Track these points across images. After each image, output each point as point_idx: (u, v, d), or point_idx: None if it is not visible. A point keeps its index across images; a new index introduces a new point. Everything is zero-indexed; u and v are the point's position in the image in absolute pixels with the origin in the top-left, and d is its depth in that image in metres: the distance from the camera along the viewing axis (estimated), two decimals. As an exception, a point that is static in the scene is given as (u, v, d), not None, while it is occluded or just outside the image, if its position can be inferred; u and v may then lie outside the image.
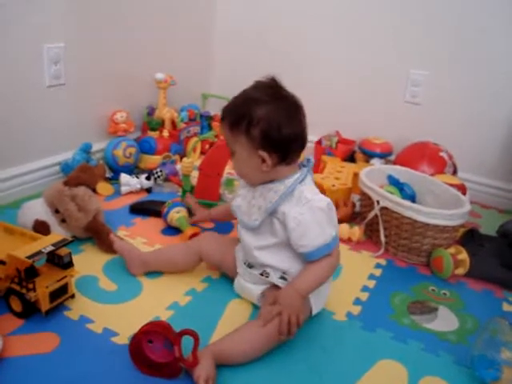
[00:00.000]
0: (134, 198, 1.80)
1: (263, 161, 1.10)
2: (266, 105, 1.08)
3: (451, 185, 1.75)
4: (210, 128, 2.38)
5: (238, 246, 1.31)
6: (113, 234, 1.42)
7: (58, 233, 1.38)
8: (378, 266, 1.56)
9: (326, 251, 1.12)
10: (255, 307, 1.26)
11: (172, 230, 1.62)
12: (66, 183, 1.48)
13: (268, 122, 1.07)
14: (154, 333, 1.01)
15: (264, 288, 1.23)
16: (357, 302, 1.36)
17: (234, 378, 1.03)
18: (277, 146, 1.09)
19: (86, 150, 1.86)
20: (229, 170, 1.89)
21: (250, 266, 1.24)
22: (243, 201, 1.22)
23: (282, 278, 1.19)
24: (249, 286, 1.26)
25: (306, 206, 1.10)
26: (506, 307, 1.42)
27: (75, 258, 1.21)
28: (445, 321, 1.32)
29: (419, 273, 1.56)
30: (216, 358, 1.02)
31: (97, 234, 1.45)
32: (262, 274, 1.21)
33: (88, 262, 1.39)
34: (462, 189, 1.79)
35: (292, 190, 1.11)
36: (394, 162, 2.09)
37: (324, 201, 1.13)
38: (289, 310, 1.07)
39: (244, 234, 1.22)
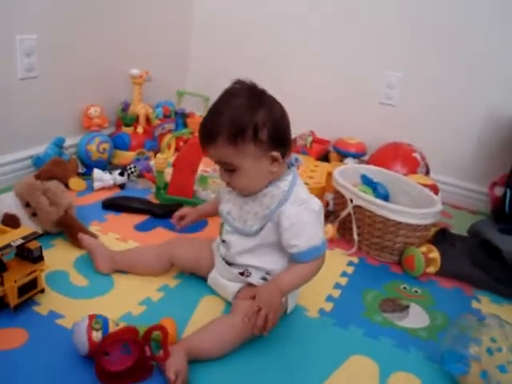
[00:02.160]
0: (107, 194, 1.78)
1: (274, 160, 1.09)
2: (263, 107, 1.07)
3: (424, 185, 1.77)
4: (184, 125, 2.36)
5: (216, 242, 1.30)
6: (81, 233, 1.39)
7: (29, 227, 1.35)
8: (350, 263, 1.57)
9: (316, 254, 1.11)
10: (228, 303, 1.26)
11: (146, 225, 1.61)
12: (37, 177, 1.46)
13: (272, 123, 1.07)
14: (111, 344, 0.98)
15: (241, 286, 1.22)
16: (329, 298, 1.36)
17: (206, 374, 1.02)
18: (281, 142, 1.10)
19: (59, 144, 1.83)
20: (203, 168, 1.89)
21: (230, 263, 1.23)
22: (234, 206, 1.20)
23: (264, 278, 1.19)
24: (225, 282, 1.25)
25: (302, 207, 1.11)
26: (475, 305, 1.45)
27: (46, 253, 1.19)
28: (416, 318, 1.34)
29: (391, 271, 1.57)
30: (188, 353, 1.01)
31: (68, 229, 1.43)
32: (242, 274, 1.21)
33: (59, 257, 1.36)
34: (434, 189, 1.81)
35: (290, 194, 1.12)
36: (368, 162, 2.10)
37: (318, 203, 1.14)
38: (267, 307, 1.05)
39: (231, 238, 1.21)
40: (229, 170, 1.10)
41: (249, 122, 1.05)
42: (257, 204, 1.14)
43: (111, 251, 1.35)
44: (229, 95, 1.10)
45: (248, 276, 1.20)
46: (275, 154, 1.08)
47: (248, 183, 1.13)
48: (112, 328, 1.03)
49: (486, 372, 1.04)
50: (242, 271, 1.21)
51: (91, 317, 1.02)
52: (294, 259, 1.13)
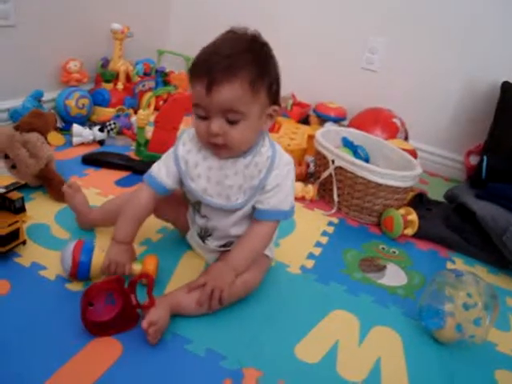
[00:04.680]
0: (86, 150, 1.75)
1: (269, 116, 1.04)
2: (274, 59, 1.03)
3: (403, 150, 1.79)
4: (164, 84, 2.33)
5: (190, 213, 1.22)
6: (66, 184, 1.35)
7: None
8: (330, 223, 1.60)
9: (281, 217, 1.10)
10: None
11: (127, 181, 1.60)
12: (17, 128, 1.43)
13: (278, 77, 1.03)
14: (95, 294, 0.98)
15: (219, 254, 1.20)
16: (311, 256, 1.39)
17: (189, 325, 1.04)
18: (278, 99, 1.05)
19: (37, 97, 1.78)
20: (183, 127, 1.87)
21: (206, 236, 1.18)
22: (208, 183, 1.08)
23: None
24: (201, 252, 1.25)
25: (287, 168, 1.08)
26: (449, 266, 1.50)
27: (26, 206, 1.17)
28: (394, 277, 1.38)
29: (370, 232, 1.61)
30: (172, 307, 1.02)
31: (49, 182, 1.40)
32: (223, 245, 1.18)
33: (39, 210, 1.34)
34: (413, 154, 1.84)
35: (275, 158, 1.07)
36: (348, 126, 2.11)
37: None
38: (214, 283, 1.03)
39: (215, 215, 1.12)
40: (231, 120, 0.97)
41: (269, 70, 1.00)
42: (239, 177, 1.06)
43: (88, 213, 1.28)
44: (239, 39, 0.99)
45: (230, 245, 1.17)
46: (275, 107, 1.03)
47: (246, 137, 1.01)
48: (98, 255, 1.08)
49: (460, 326, 1.08)
50: (223, 243, 1.18)
51: (79, 242, 1.09)
52: (257, 216, 1.09)
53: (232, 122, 0.98)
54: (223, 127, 0.98)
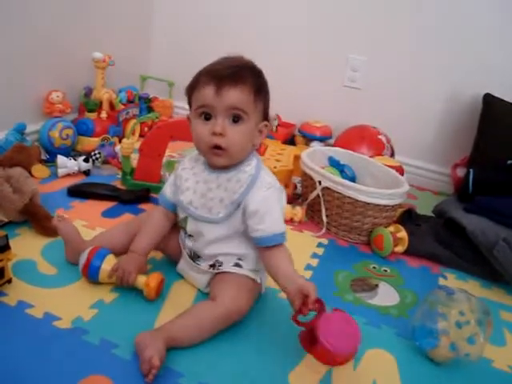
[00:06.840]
0: (72, 181, 1.73)
1: (260, 132, 1.11)
2: (267, 83, 1.13)
3: (390, 166, 1.80)
4: (148, 110, 2.33)
5: (181, 236, 1.26)
6: (55, 218, 1.34)
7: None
8: (320, 245, 1.59)
9: (280, 240, 1.09)
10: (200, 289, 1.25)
11: (113, 212, 1.59)
12: (-1, 163, 1.42)
13: (269, 100, 1.13)
14: None
15: (210, 276, 1.20)
16: (301, 280, 1.37)
17: (180, 358, 1.02)
18: (268, 119, 1.14)
19: (20, 130, 1.77)
20: (169, 153, 1.87)
21: (196, 258, 1.20)
22: (194, 195, 1.14)
23: (237, 265, 1.16)
24: (194, 274, 1.23)
25: (270, 190, 1.09)
26: (442, 282, 1.49)
27: (11, 243, 1.15)
28: (386, 296, 1.37)
29: (360, 251, 1.60)
30: (168, 342, 1.00)
31: (34, 217, 1.39)
32: (212, 266, 1.18)
33: (25, 245, 1.32)
34: (400, 170, 1.84)
35: (257, 178, 1.09)
36: (334, 145, 2.12)
37: (282, 188, 1.15)
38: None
39: (196, 229, 1.16)
40: (235, 119, 1.05)
41: (265, 88, 1.11)
42: (221, 190, 1.11)
43: (83, 244, 1.26)
44: (238, 59, 1.10)
45: (220, 266, 1.17)
46: (266, 123, 1.11)
47: (243, 141, 1.07)
48: (109, 261, 1.17)
49: (454, 344, 1.07)
50: (212, 263, 1.18)
51: (97, 246, 1.20)
52: (257, 244, 1.11)
53: (235, 121, 1.06)
54: (226, 126, 1.05)
